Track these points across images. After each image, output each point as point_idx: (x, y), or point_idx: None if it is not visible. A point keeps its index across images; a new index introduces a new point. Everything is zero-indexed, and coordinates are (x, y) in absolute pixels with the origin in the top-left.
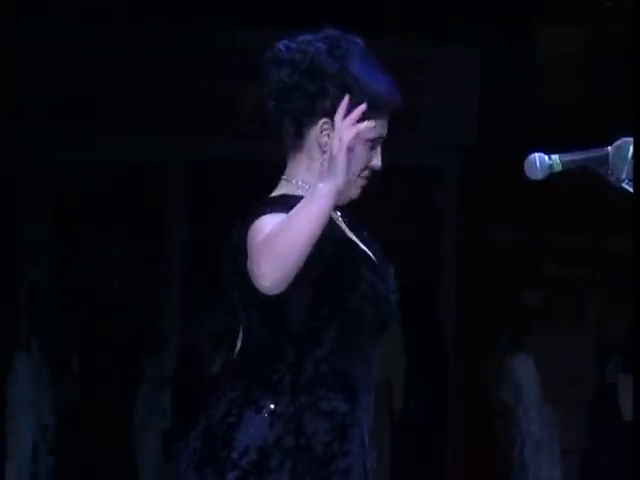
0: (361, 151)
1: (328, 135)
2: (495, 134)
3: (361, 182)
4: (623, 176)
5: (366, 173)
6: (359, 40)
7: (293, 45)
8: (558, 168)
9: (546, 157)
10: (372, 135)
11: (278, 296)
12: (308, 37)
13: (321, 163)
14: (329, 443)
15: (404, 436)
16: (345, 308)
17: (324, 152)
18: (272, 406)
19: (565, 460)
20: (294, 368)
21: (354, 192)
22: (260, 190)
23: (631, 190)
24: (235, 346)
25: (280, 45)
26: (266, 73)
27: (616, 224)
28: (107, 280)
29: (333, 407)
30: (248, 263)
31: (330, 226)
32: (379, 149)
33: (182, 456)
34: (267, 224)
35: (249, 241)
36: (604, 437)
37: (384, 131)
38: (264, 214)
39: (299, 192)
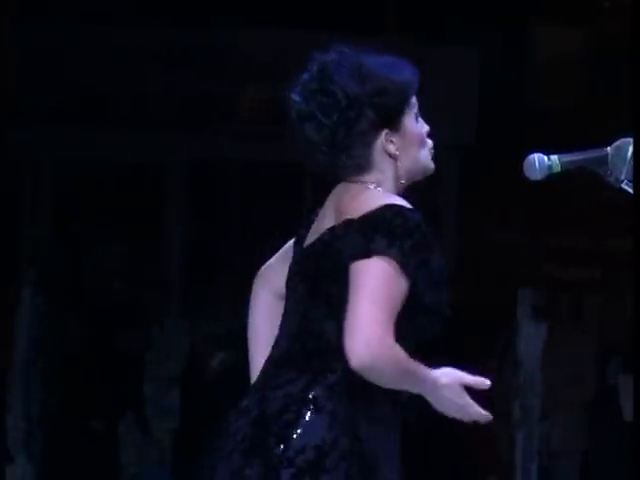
0: (416, 133)
1: (392, 141)
2: (494, 134)
3: (432, 153)
4: (622, 176)
5: (430, 143)
6: (342, 48)
7: (307, 91)
8: (557, 169)
9: (545, 157)
10: (415, 110)
11: None
12: (308, 77)
13: (396, 168)
14: (377, 449)
15: (403, 436)
16: (410, 327)
17: (395, 158)
18: (331, 408)
19: (565, 460)
20: (351, 370)
21: (430, 167)
22: (260, 190)
23: (630, 191)
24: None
25: (295, 98)
26: (299, 130)
27: (615, 224)
28: (107, 280)
29: (384, 413)
30: (355, 304)
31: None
32: (419, 117)
33: (228, 437)
34: (388, 282)
35: (365, 275)
36: (604, 437)
37: (416, 100)
38: (389, 256)
39: (402, 203)
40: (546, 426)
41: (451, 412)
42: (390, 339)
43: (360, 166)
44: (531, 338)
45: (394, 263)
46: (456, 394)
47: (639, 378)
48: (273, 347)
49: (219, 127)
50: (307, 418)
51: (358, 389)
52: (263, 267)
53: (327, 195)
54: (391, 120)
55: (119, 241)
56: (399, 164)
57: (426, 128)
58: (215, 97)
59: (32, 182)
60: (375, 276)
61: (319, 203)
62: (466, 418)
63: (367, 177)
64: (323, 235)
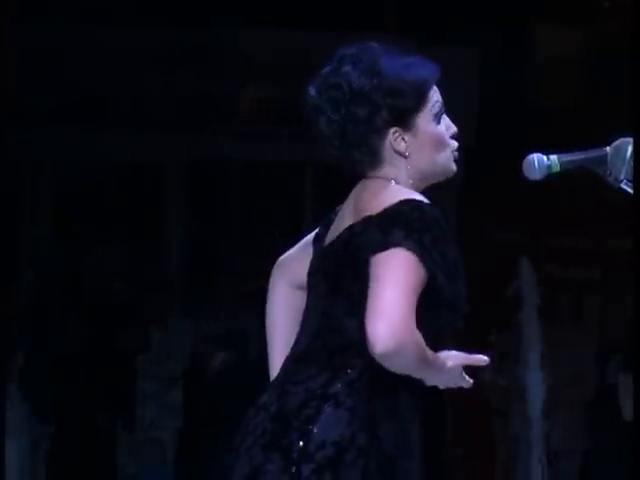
0: (435, 132)
1: (403, 139)
2: (494, 134)
3: (455, 155)
4: (622, 176)
5: (453, 144)
6: (371, 43)
7: (322, 85)
8: (556, 168)
9: (544, 157)
10: (436, 108)
11: None
12: (326, 71)
13: (406, 167)
14: (395, 444)
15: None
16: (431, 321)
17: (406, 157)
18: (350, 404)
19: (565, 460)
20: (371, 366)
21: (451, 169)
22: (260, 190)
23: (630, 191)
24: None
25: (311, 91)
26: (314, 122)
27: (614, 224)
28: (107, 280)
29: (402, 410)
30: (377, 291)
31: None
32: (445, 116)
33: (247, 433)
34: (409, 272)
35: (385, 266)
36: (605, 437)
37: (439, 98)
38: (407, 248)
39: (421, 197)
40: (546, 426)
41: (443, 385)
42: (413, 324)
43: (374, 162)
44: (531, 338)
45: (411, 254)
46: (457, 373)
47: (639, 377)
48: (294, 344)
49: (219, 127)
50: (327, 414)
51: (378, 386)
52: (281, 258)
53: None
54: (402, 119)
55: (119, 241)
56: (410, 163)
57: (453, 129)
58: (215, 97)
59: (32, 182)
60: (394, 266)
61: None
62: (453, 386)
63: (383, 172)
64: (343, 233)
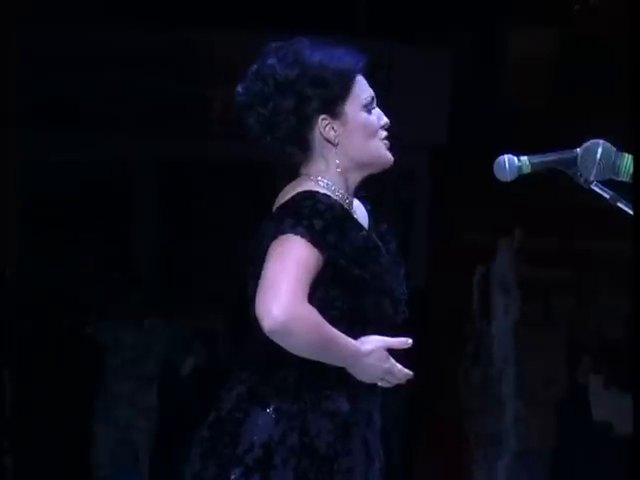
0: (365, 121)
1: (332, 128)
2: (464, 135)
3: (386, 144)
4: (592, 177)
5: (382, 134)
6: (297, 37)
7: (247, 84)
8: (527, 170)
9: (515, 159)
10: (365, 99)
11: None
12: (254, 68)
13: (337, 156)
14: (332, 442)
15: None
16: (353, 306)
17: (336, 145)
18: (277, 404)
19: (535, 459)
20: (298, 367)
21: (384, 159)
22: (230, 190)
23: (600, 192)
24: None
25: (239, 89)
26: (244, 119)
27: (585, 225)
28: (79, 280)
29: (336, 407)
30: (263, 273)
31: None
32: (377, 109)
33: (193, 443)
34: (293, 254)
35: (272, 252)
36: (575, 437)
37: (369, 89)
38: (295, 233)
39: (324, 191)
40: (518, 426)
41: (376, 378)
42: (304, 300)
43: (305, 154)
44: (501, 338)
45: (299, 238)
46: (381, 359)
47: (638, 378)
48: None
49: (190, 128)
50: (254, 416)
51: (306, 383)
52: None
53: None
54: (329, 107)
55: (91, 241)
56: (340, 151)
57: (384, 120)
58: (186, 99)
59: (5, 182)
60: (280, 250)
61: None
62: (393, 381)
63: (312, 164)
64: (256, 233)
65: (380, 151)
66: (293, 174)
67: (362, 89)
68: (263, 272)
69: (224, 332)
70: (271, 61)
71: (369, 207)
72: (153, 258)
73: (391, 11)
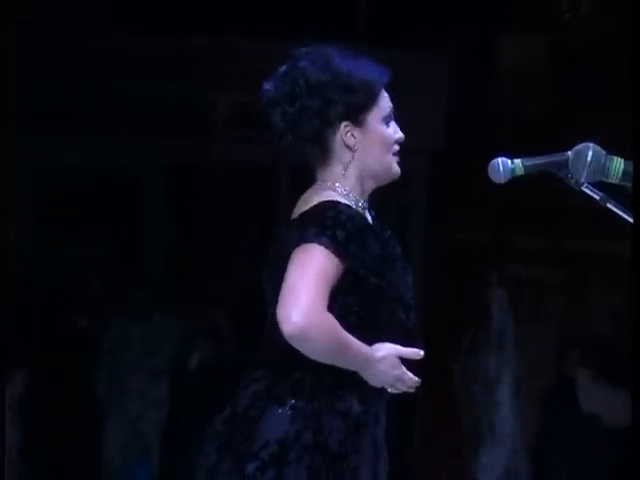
0: (383, 134)
1: (352, 135)
2: (461, 138)
3: (396, 159)
4: (582, 179)
5: (396, 148)
6: (325, 45)
7: (277, 81)
8: (520, 172)
9: (509, 161)
10: (385, 112)
11: None
12: (283, 69)
13: (354, 163)
14: (343, 441)
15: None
16: (370, 313)
17: (354, 151)
18: (293, 403)
19: (523, 451)
20: (315, 369)
21: (394, 169)
22: (234, 192)
23: (590, 193)
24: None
25: (267, 86)
26: (269, 116)
27: (576, 226)
28: (89, 278)
29: (348, 407)
30: (285, 278)
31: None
32: (394, 122)
33: (207, 437)
34: (315, 262)
35: (295, 258)
36: (563, 427)
37: (389, 103)
38: (319, 243)
39: (345, 200)
40: (511, 418)
41: (387, 384)
42: (323, 307)
43: (324, 156)
44: (498, 336)
45: (323, 248)
46: (392, 366)
47: (638, 378)
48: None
49: (195, 131)
50: (270, 413)
51: (322, 385)
52: None
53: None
54: (353, 114)
55: (100, 241)
56: (358, 158)
57: (399, 135)
58: (192, 102)
59: (17, 184)
60: (303, 257)
61: (293, 204)
62: (403, 388)
63: (330, 169)
64: (277, 237)
65: (392, 165)
66: (302, 178)
67: (385, 102)
68: (285, 278)
69: (228, 328)
70: (303, 64)
71: (374, 213)
72: (159, 258)
73: (390, 19)
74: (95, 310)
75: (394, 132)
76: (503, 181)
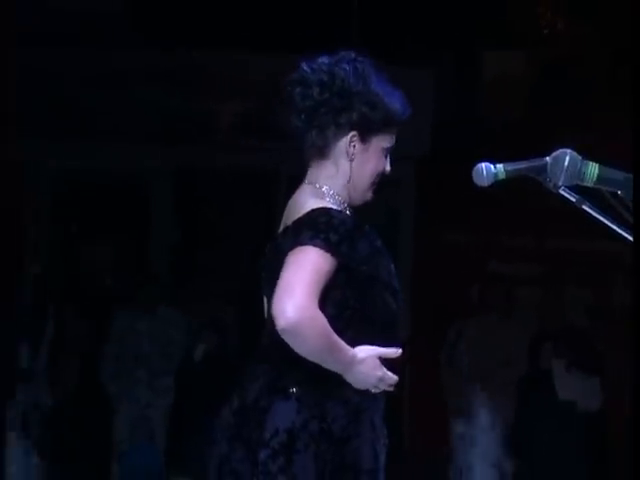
0: (378, 161)
1: (354, 146)
2: (446, 145)
3: (374, 186)
4: (560, 183)
5: (377, 180)
6: (370, 60)
7: (317, 67)
8: (502, 176)
9: (492, 166)
10: (387, 145)
11: None
12: (328, 60)
13: (346, 171)
14: (345, 425)
15: None
16: (364, 305)
17: (351, 160)
18: (298, 395)
19: (504, 435)
20: (314, 363)
21: (369, 195)
22: (239, 197)
23: (567, 196)
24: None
25: (305, 67)
26: (293, 91)
27: (554, 225)
28: (101, 277)
29: (348, 396)
30: (281, 276)
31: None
32: (389, 157)
33: (216, 428)
34: (310, 261)
35: (290, 258)
36: (539, 416)
37: (394, 141)
38: (314, 245)
39: (334, 206)
40: (489, 404)
41: (369, 385)
42: (315, 305)
43: (322, 152)
44: (478, 330)
45: (317, 249)
46: (373, 367)
47: (638, 377)
48: (257, 345)
49: (202, 139)
50: (278, 404)
51: (322, 376)
52: None
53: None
54: (364, 129)
55: (111, 243)
56: (351, 169)
57: (388, 169)
58: (198, 112)
59: (34, 188)
60: (298, 257)
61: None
62: (384, 388)
63: (323, 167)
64: (273, 240)
65: (366, 193)
66: (299, 180)
67: (392, 137)
68: (281, 276)
69: (232, 322)
70: (345, 66)
71: (352, 211)
72: (166, 259)
73: (378, 35)
74: (106, 305)
75: (385, 166)
76: (487, 185)
